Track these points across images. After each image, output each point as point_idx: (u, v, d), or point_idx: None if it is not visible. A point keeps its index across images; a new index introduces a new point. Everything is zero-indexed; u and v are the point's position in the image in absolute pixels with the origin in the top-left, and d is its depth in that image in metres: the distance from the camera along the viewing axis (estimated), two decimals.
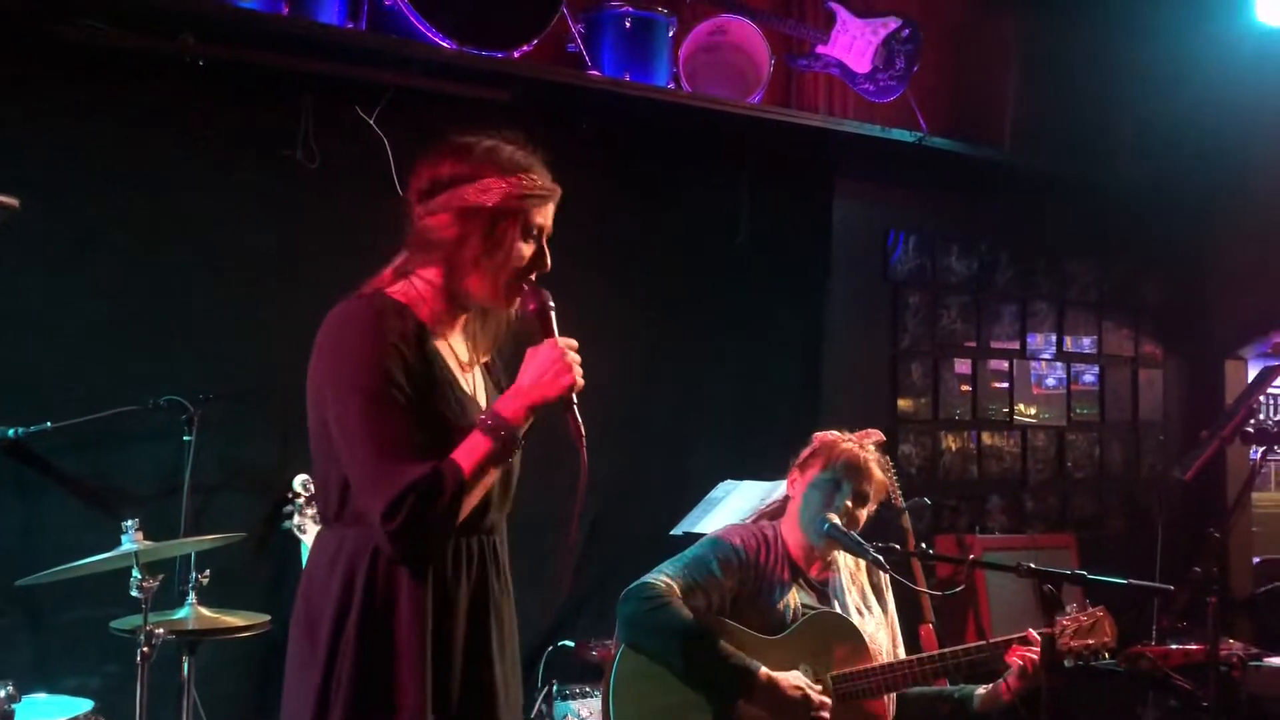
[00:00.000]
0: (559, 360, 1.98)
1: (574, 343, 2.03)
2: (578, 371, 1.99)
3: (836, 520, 2.80)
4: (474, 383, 2.11)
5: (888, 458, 3.74)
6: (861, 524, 2.88)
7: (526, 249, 2.06)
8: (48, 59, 3.42)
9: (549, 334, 2.04)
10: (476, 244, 2.01)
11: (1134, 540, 5.59)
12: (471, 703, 2.01)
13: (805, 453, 2.96)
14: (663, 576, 2.75)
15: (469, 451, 1.93)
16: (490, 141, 2.10)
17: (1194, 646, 3.57)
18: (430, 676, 1.94)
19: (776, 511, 2.97)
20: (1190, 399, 6.13)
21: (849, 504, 2.84)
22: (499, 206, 2.02)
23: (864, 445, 2.92)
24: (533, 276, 2.07)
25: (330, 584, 1.96)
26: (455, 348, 2.09)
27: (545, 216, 2.09)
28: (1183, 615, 4.02)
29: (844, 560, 2.97)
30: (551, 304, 2.06)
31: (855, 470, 2.86)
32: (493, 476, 1.99)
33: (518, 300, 2.08)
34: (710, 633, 2.70)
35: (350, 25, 3.70)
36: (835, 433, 2.97)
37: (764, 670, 2.66)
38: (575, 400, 2.00)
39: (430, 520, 1.89)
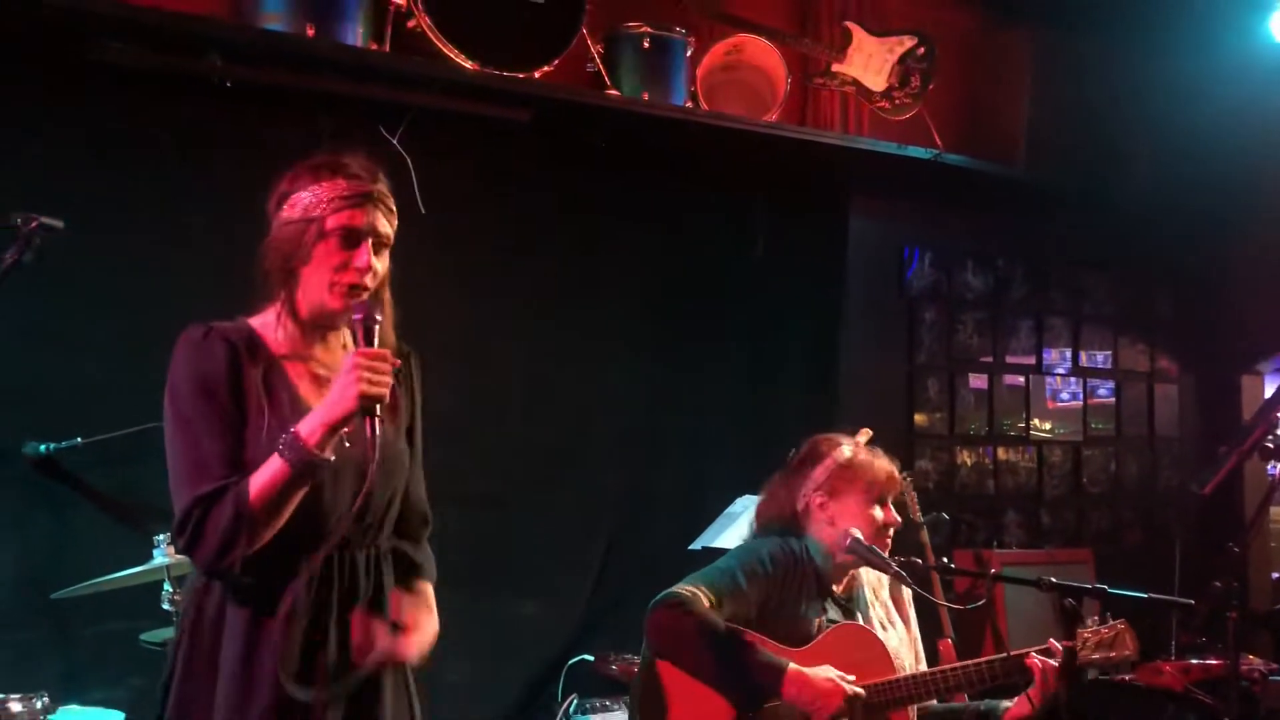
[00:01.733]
0: (349, 372, 1.93)
1: (384, 353, 1.97)
2: (371, 382, 1.92)
3: (859, 535, 2.82)
4: None
5: (906, 473, 3.78)
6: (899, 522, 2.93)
7: (344, 256, 2.03)
8: (79, 81, 3.48)
9: (365, 345, 1.99)
10: (297, 249, 2.03)
11: (1151, 555, 5.58)
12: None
13: (823, 473, 2.91)
14: (689, 586, 2.78)
15: (262, 471, 1.93)
16: (328, 154, 2.11)
17: (1214, 661, 3.57)
18: (242, 692, 1.96)
19: (792, 526, 2.95)
20: (1206, 414, 6.12)
21: (893, 512, 2.90)
22: (315, 209, 2.03)
23: (875, 451, 2.95)
24: (358, 278, 2.03)
25: (183, 598, 2.10)
26: (314, 366, 2.09)
27: (370, 219, 2.05)
28: (1202, 630, 4.02)
29: (867, 576, 2.98)
30: (378, 318, 2.00)
31: (890, 480, 2.91)
32: (298, 491, 1.94)
33: (347, 305, 2.04)
34: (738, 636, 2.72)
35: (374, 46, 3.75)
36: (840, 442, 2.96)
37: (793, 666, 2.67)
38: (377, 412, 1.94)
39: (212, 537, 1.91)
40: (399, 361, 2.03)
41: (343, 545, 2.04)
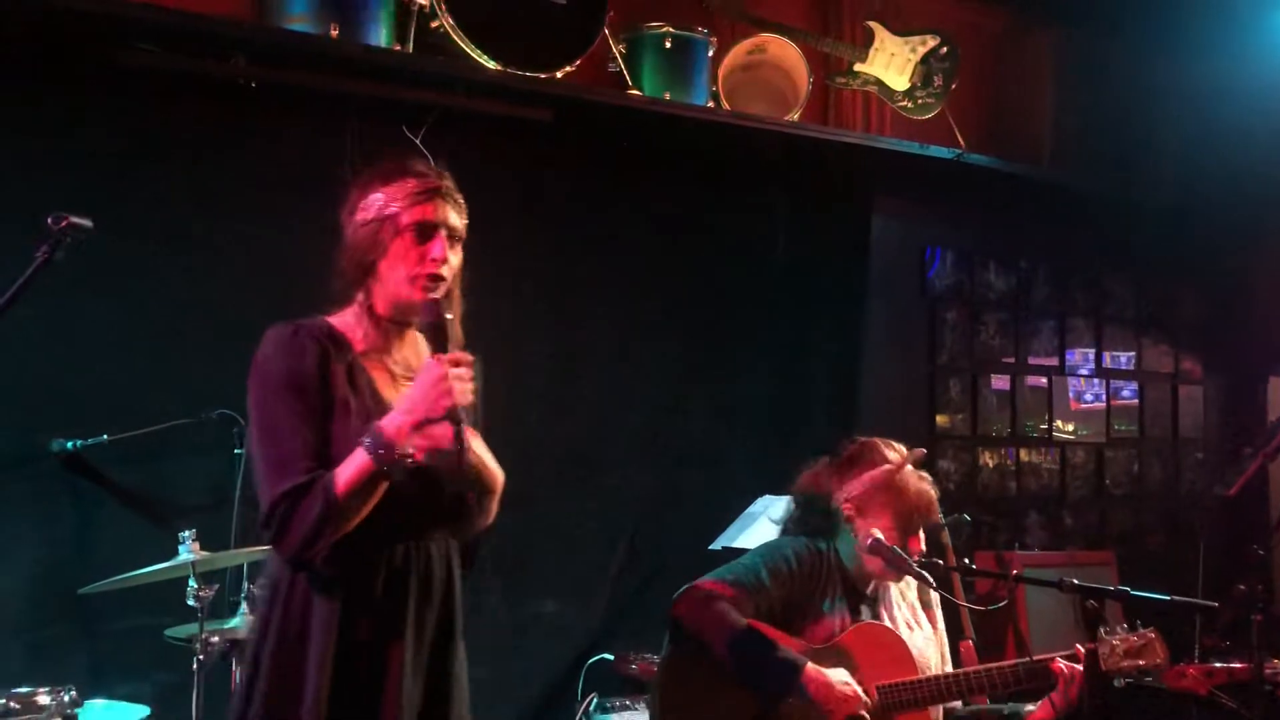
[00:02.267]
0: (439, 381, 1.99)
1: (467, 357, 2.05)
2: (460, 390, 1.99)
3: (880, 535, 2.82)
4: None
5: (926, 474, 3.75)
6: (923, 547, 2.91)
7: (420, 250, 2.11)
8: (107, 83, 3.51)
9: (439, 349, 2.06)
10: (374, 247, 2.11)
11: (1174, 557, 5.55)
12: (371, 707, 2.05)
13: (860, 487, 2.87)
14: (713, 580, 2.79)
15: (348, 465, 1.99)
16: (395, 159, 2.20)
17: (1238, 665, 3.55)
18: (331, 680, 2.01)
19: (823, 528, 2.95)
20: (1230, 416, 6.09)
21: (922, 542, 2.89)
22: (378, 218, 2.11)
23: (920, 475, 2.92)
24: (435, 271, 2.10)
25: (265, 598, 2.13)
26: (390, 363, 2.17)
27: (441, 213, 2.13)
28: (1226, 634, 4.00)
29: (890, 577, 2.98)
30: (448, 316, 2.08)
31: (926, 511, 2.89)
32: (381, 485, 2.00)
33: (424, 298, 2.11)
34: (757, 632, 2.74)
35: (397, 47, 3.77)
36: (889, 459, 2.92)
37: (811, 666, 2.68)
38: (462, 418, 2.00)
39: (300, 528, 1.97)
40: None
41: (418, 537, 2.12)
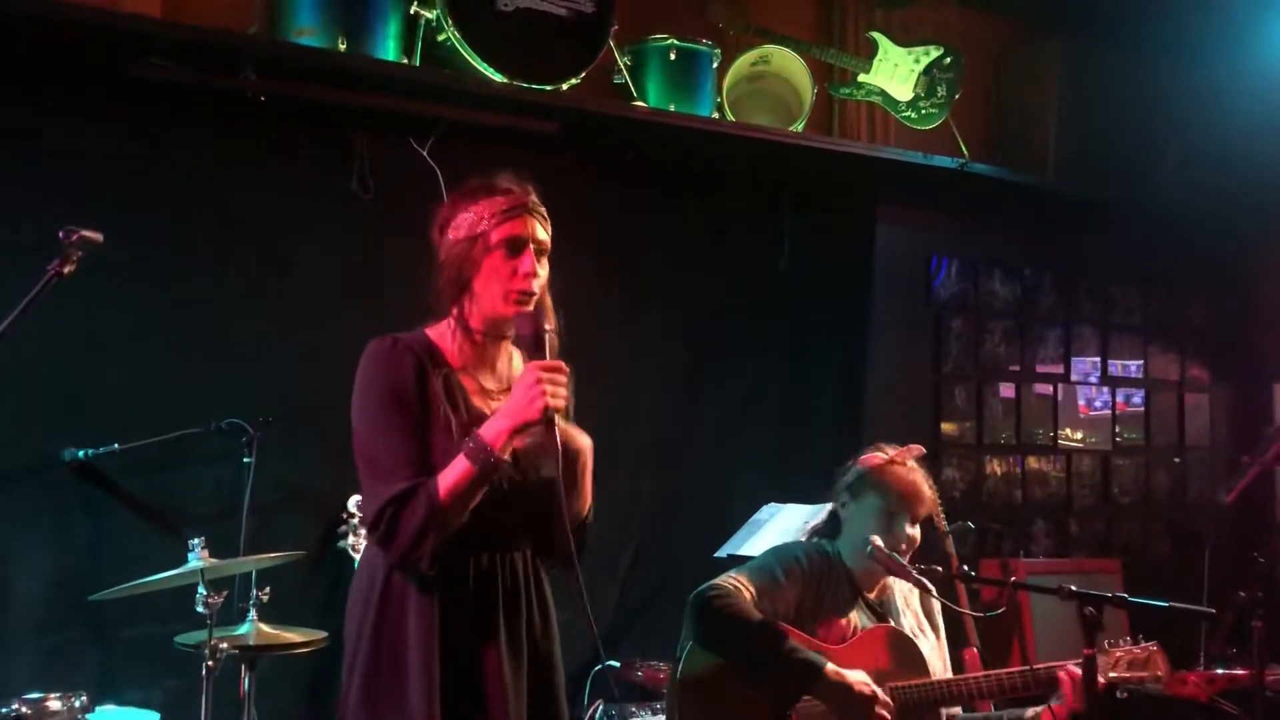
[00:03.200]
0: (534, 385, 2.07)
1: (560, 365, 2.12)
2: (554, 395, 2.08)
3: (880, 543, 2.84)
4: None
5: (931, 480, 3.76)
6: (917, 542, 2.93)
7: (511, 265, 2.18)
8: (117, 96, 3.56)
9: (539, 358, 2.13)
10: (467, 265, 2.18)
11: (1181, 565, 5.54)
12: (476, 705, 2.13)
13: (851, 476, 2.98)
14: (731, 579, 2.82)
15: (450, 471, 2.08)
16: (483, 178, 2.26)
17: (1240, 671, 3.55)
18: (439, 678, 2.10)
19: (830, 531, 3.01)
20: (1238, 423, 6.08)
21: (908, 530, 2.90)
22: (469, 236, 2.18)
23: (911, 466, 2.96)
24: (529, 285, 2.18)
25: (358, 600, 2.20)
26: (483, 379, 2.25)
27: (531, 228, 2.20)
28: (1230, 641, 4.00)
29: (899, 585, 3.00)
30: (548, 328, 2.16)
31: (911, 498, 2.90)
32: (481, 489, 2.09)
33: (519, 312, 2.18)
34: (777, 630, 2.76)
35: (404, 60, 3.82)
36: (879, 454, 2.98)
37: (831, 665, 2.70)
38: (556, 421, 2.08)
39: (407, 531, 2.06)
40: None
41: (506, 548, 2.21)
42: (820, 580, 2.88)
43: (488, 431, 2.08)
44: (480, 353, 2.25)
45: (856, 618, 2.89)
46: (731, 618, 2.74)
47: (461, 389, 2.20)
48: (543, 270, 2.22)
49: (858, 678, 2.71)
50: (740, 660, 2.76)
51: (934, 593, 2.82)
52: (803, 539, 3.23)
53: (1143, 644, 2.72)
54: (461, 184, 2.28)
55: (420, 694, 2.09)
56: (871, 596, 2.95)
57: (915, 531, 2.92)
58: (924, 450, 3.03)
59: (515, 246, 2.18)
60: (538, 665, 2.24)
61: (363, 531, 3.46)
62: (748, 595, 2.78)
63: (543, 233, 2.23)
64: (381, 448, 2.12)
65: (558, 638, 2.31)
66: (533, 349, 2.14)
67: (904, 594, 3.02)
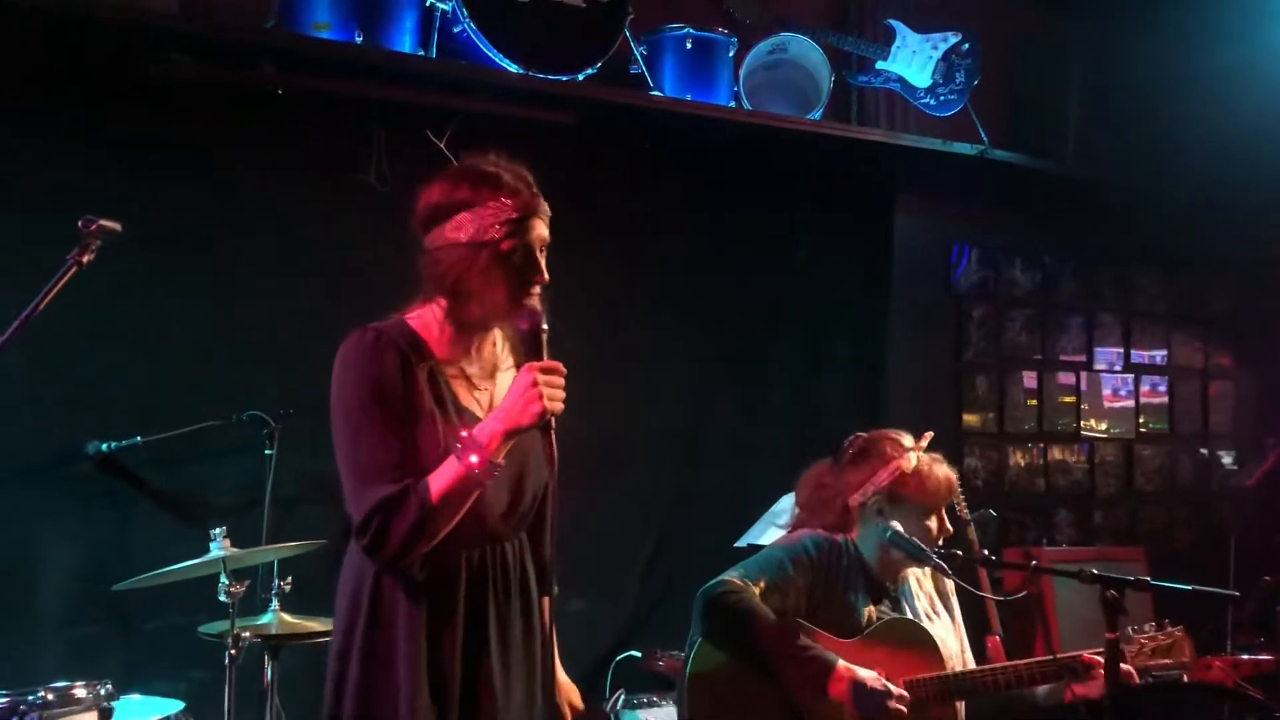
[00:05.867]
0: (530, 388, 2.00)
1: (558, 366, 2.04)
2: (552, 399, 2.00)
3: (899, 527, 2.83)
4: (489, 398, 2.18)
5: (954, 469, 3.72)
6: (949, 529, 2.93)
7: (526, 268, 2.10)
8: (139, 89, 3.58)
9: (535, 357, 2.05)
10: (471, 272, 2.07)
11: (1205, 552, 5.50)
12: (468, 705, 2.10)
13: (888, 478, 2.87)
14: (739, 575, 2.80)
15: (441, 474, 2.01)
16: (479, 165, 2.15)
17: (1265, 657, 3.53)
18: (427, 680, 2.06)
19: (839, 525, 2.95)
20: (1264, 409, 6.02)
21: (947, 524, 2.90)
22: (487, 233, 2.07)
23: (935, 458, 2.93)
24: (535, 290, 2.11)
25: (345, 594, 2.14)
26: (468, 368, 2.16)
27: (538, 232, 2.12)
28: (1257, 628, 3.97)
29: (912, 568, 2.98)
30: (544, 326, 2.06)
31: (948, 495, 2.91)
32: (475, 494, 2.03)
33: (521, 313, 2.10)
34: (788, 627, 2.74)
35: (421, 53, 3.83)
36: (904, 446, 2.93)
37: (842, 663, 2.68)
38: (553, 425, 2.02)
39: (396, 537, 1.99)
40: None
41: (495, 539, 2.16)
42: (831, 571, 2.85)
43: (481, 434, 2.00)
44: (466, 344, 2.16)
45: (870, 606, 2.86)
46: (740, 615, 2.71)
47: (447, 382, 2.12)
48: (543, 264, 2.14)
49: (870, 674, 2.69)
50: (750, 658, 2.74)
51: (953, 575, 2.79)
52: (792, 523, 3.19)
53: (1168, 629, 2.69)
54: (456, 166, 2.16)
55: (411, 697, 2.05)
56: (885, 582, 2.92)
57: (944, 521, 2.93)
58: (932, 435, 2.99)
59: (528, 255, 2.09)
60: (529, 655, 2.20)
61: None
62: (756, 591, 2.75)
63: (547, 231, 2.14)
64: (365, 448, 2.02)
65: (545, 627, 2.23)
66: (529, 347, 2.07)
67: (917, 576, 3.00)
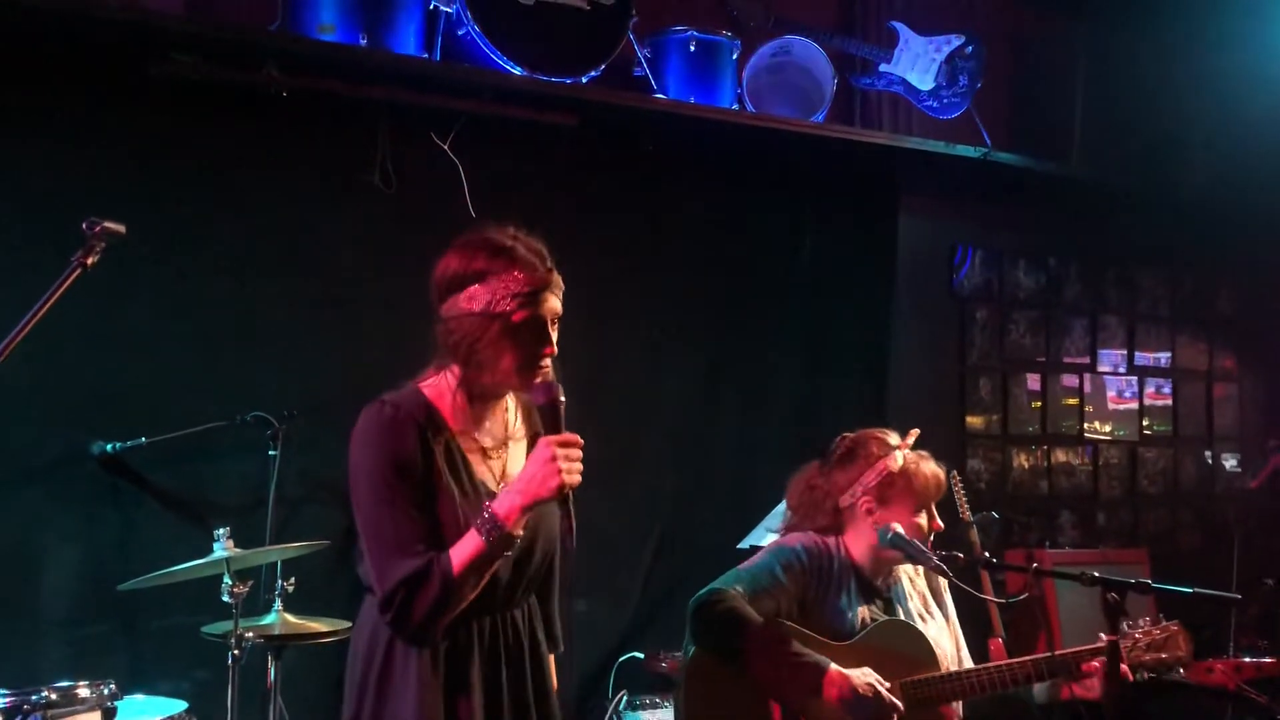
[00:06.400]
0: (549, 462, 2.03)
1: (576, 439, 2.07)
2: (570, 471, 2.03)
3: (901, 529, 2.83)
4: (501, 467, 2.22)
5: (954, 472, 3.72)
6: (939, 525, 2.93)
7: (534, 341, 2.12)
8: (141, 92, 3.60)
9: (553, 430, 2.08)
10: (482, 342, 2.11)
11: (1209, 555, 5.50)
12: None
13: (875, 478, 2.88)
14: (730, 582, 2.79)
15: (462, 548, 2.04)
16: (495, 237, 2.18)
17: (1267, 660, 3.53)
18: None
19: (830, 527, 2.95)
20: (1268, 412, 6.02)
21: (936, 520, 2.90)
22: (499, 304, 2.10)
23: (923, 456, 2.93)
24: (545, 363, 2.13)
25: (360, 650, 2.17)
26: (481, 439, 2.20)
27: (549, 305, 2.16)
28: (1260, 631, 3.97)
29: (904, 568, 2.97)
30: (562, 399, 2.09)
31: (937, 492, 2.90)
32: (495, 565, 2.07)
33: (533, 385, 2.13)
34: (779, 633, 2.74)
35: (425, 55, 3.84)
36: (890, 444, 2.92)
37: (834, 667, 2.68)
38: (570, 498, 2.05)
39: (420, 611, 2.03)
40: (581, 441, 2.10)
41: (505, 607, 2.20)
42: (822, 575, 2.85)
43: (500, 507, 2.04)
44: (479, 412, 2.20)
45: (863, 608, 2.86)
46: (732, 624, 2.70)
47: (462, 455, 2.16)
48: (554, 336, 2.16)
49: (863, 677, 2.69)
50: (742, 666, 2.73)
51: (951, 577, 2.78)
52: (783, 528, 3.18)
53: (1163, 624, 2.68)
54: (473, 234, 2.18)
55: None
56: (876, 583, 2.92)
57: (935, 516, 2.92)
58: (919, 432, 2.98)
59: (537, 328, 2.12)
60: (539, 714, 2.23)
61: None
62: (748, 598, 2.75)
63: (559, 303, 2.17)
64: (389, 523, 2.06)
65: (554, 691, 2.29)
66: (548, 420, 2.09)
67: (909, 576, 2.99)
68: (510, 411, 2.27)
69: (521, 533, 2.07)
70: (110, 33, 3.43)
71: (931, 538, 2.88)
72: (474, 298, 2.11)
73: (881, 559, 2.88)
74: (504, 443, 2.24)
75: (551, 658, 2.33)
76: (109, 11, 3.39)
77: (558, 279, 2.18)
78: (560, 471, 2.02)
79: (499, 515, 2.03)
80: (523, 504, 2.04)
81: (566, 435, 2.07)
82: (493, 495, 2.11)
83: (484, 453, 2.20)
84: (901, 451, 2.91)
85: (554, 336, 2.16)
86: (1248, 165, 5.33)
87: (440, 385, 2.17)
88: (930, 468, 2.91)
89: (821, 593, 2.84)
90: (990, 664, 2.84)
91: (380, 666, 2.12)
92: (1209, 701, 3.89)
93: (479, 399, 2.19)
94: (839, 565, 2.87)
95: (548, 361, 2.14)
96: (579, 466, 2.05)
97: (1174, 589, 2.49)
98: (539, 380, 2.12)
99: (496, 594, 2.15)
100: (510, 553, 2.08)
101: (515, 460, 2.22)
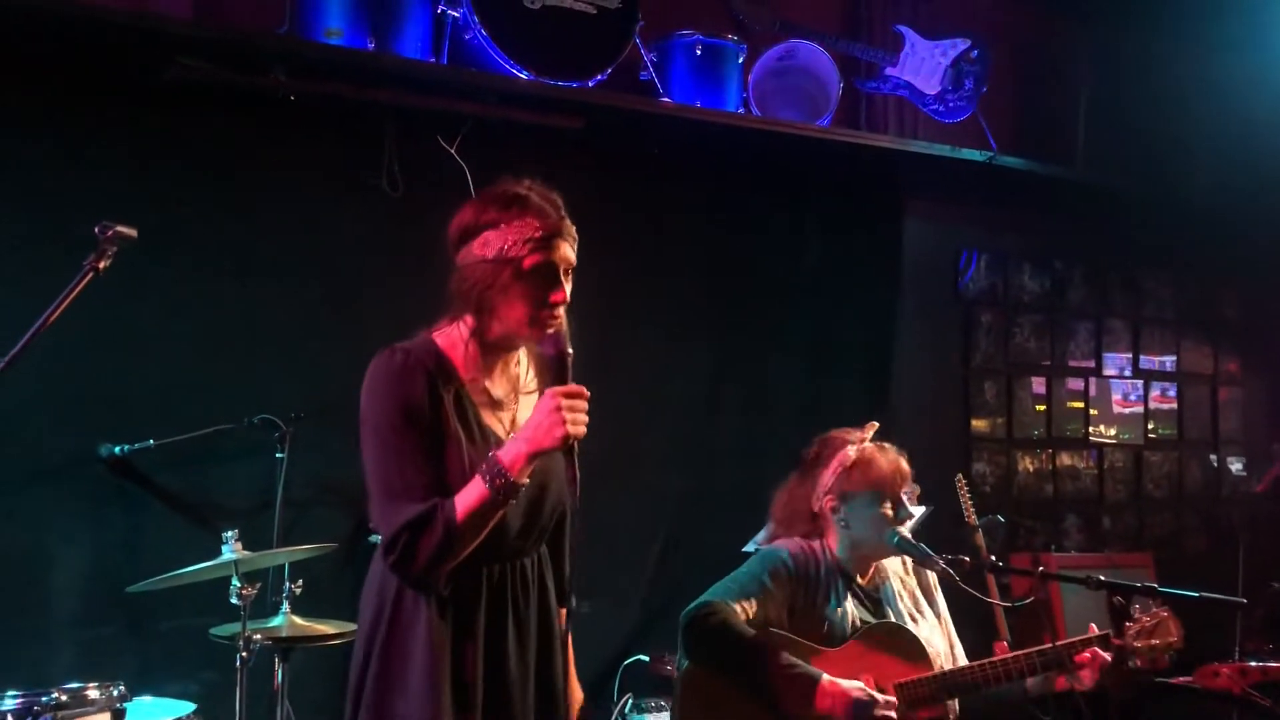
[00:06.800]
0: (554, 412, 2.04)
1: (581, 390, 2.08)
2: (573, 422, 2.04)
3: (906, 533, 2.83)
4: (511, 418, 2.23)
5: (959, 476, 3.72)
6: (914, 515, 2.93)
7: (541, 291, 2.13)
8: (148, 97, 3.61)
9: (559, 381, 2.09)
10: (493, 288, 2.12)
11: (1215, 559, 5.50)
12: (489, 716, 2.14)
13: (831, 477, 2.91)
14: (718, 594, 2.80)
15: (467, 494, 2.06)
16: (510, 187, 2.19)
17: (1273, 664, 3.53)
18: (449, 695, 2.10)
19: (811, 532, 2.96)
20: (1273, 415, 6.02)
21: (908, 507, 2.90)
22: (511, 250, 2.12)
23: (883, 447, 2.94)
24: (554, 309, 2.14)
25: (369, 603, 2.19)
26: (492, 389, 2.21)
27: (562, 253, 2.16)
28: (1266, 634, 3.97)
29: (892, 566, 2.98)
30: (569, 351, 2.11)
31: (903, 479, 2.90)
32: (499, 513, 2.08)
33: (543, 335, 2.14)
34: (771, 644, 2.74)
35: (431, 59, 3.85)
36: (846, 440, 2.94)
37: (826, 678, 2.68)
38: (575, 448, 2.06)
39: (423, 555, 2.04)
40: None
41: (515, 555, 2.21)
42: (809, 580, 2.85)
43: (506, 455, 2.05)
44: (490, 363, 2.21)
45: (853, 610, 2.86)
46: (722, 637, 2.71)
47: (472, 404, 2.17)
48: (567, 285, 2.17)
49: (855, 687, 2.69)
50: (735, 679, 2.74)
51: (954, 577, 2.78)
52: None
53: (1152, 610, 2.67)
54: (489, 187, 2.22)
55: (434, 710, 2.08)
56: (864, 583, 2.93)
57: (909, 505, 2.93)
58: (877, 425, 2.99)
59: (548, 273, 2.13)
60: (545, 665, 2.25)
61: None
62: (737, 609, 2.75)
63: (572, 253, 2.18)
64: (395, 468, 2.08)
65: (561, 643, 2.30)
66: (555, 371, 2.11)
67: (899, 575, 2.99)
68: (522, 365, 2.29)
69: (526, 481, 2.08)
70: (118, 36, 3.44)
71: (906, 527, 2.87)
72: (487, 243, 2.13)
73: (861, 554, 2.89)
74: (514, 394, 2.25)
75: (564, 612, 2.33)
76: (117, 15, 3.40)
77: (571, 227, 2.20)
78: (565, 422, 2.03)
79: (504, 463, 2.04)
80: (528, 452, 2.05)
81: (572, 386, 2.08)
82: (501, 445, 2.12)
83: (494, 403, 2.21)
84: (855, 445, 2.92)
85: (567, 286, 2.17)
86: (1252, 169, 5.33)
87: (453, 335, 2.19)
88: (888, 455, 2.91)
89: (810, 597, 2.84)
90: (983, 660, 2.83)
91: (391, 609, 2.13)
92: (1214, 706, 3.89)
93: (491, 350, 2.20)
94: (825, 568, 2.88)
95: (560, 311, 2.15)
96: (584, 418, 2.06)
97: (1180, 593, 2.49)
98: (550, 331, 2.13)
99: (507, 541, 2.17)
100: (515, 501, 2.09)
101: (525, 412, 2.21)
